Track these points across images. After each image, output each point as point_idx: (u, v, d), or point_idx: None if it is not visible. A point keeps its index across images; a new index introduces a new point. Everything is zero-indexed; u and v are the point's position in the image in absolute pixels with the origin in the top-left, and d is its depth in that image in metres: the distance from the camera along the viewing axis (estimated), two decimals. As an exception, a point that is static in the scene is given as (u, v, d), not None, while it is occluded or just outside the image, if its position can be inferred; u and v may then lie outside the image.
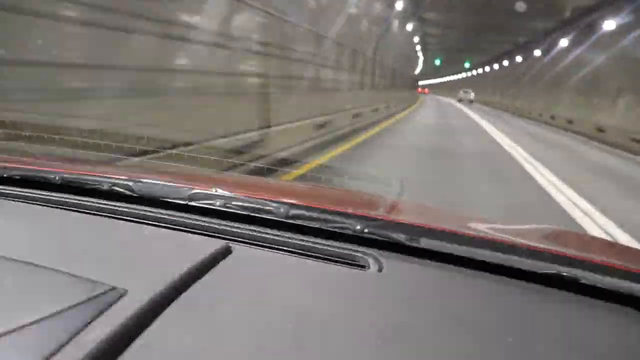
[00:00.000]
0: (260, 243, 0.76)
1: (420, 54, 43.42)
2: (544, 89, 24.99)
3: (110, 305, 0.52)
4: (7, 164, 0.98)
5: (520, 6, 15.93)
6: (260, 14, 7.16)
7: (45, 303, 0.52)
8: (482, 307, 0.65)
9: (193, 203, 0.85)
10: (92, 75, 3.94)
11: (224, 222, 0.81)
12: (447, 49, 42.52)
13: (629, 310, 0.66)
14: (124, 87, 4.05)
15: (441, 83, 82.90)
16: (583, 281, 0.69)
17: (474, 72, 59.20)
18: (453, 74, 73.53)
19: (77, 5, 3.82)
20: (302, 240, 0.77)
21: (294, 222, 0.81)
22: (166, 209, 0.85)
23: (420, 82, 63.37)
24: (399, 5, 17.85)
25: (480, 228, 0.92)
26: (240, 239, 0.76)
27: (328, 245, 0.76)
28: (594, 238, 1.96)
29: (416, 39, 32.74)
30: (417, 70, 53.29)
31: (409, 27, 24.91)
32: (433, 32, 33.32)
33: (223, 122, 5.49)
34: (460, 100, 44.42)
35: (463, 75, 67.31)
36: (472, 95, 44.84)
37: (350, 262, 0.73)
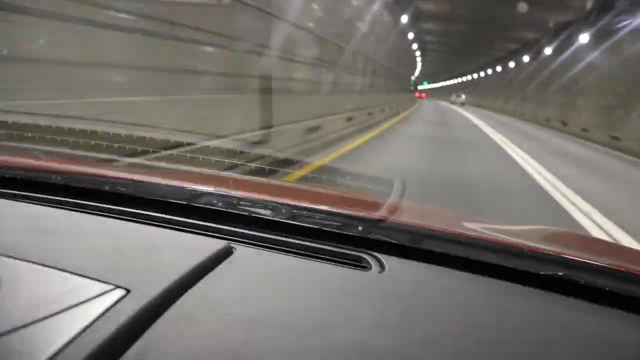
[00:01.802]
0: (261, 244, 0.74)
1: (418, 60, 43.67)
2: (530, 92, 27.67)
3: (112, 305, 0.51)
4: (9, 165, 0.97)
5: (512, 17, 16.89)
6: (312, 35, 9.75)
7: (48, 302, 0.51)
8: (483, 309, 0.63)
9: (195, 204, 0.83)
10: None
11: (225, 223, 0.79)
12: (443, 57, 43.03)
13: (631, 313, 0.64)
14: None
15: (437, 88, 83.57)
16: (584, 283, 0.67)
17: (469, 77, 59.86)
18: (448, 79, 73.99)
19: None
20: (304, 241, 0.75)
21: (296, 222, 0.79)
22: (168, 209, 0.83)
23: (418, 87, 63.58)
24: (404, 19, 20.46)
25: (482, 230, 0.90)
26: (241, 240, 0.74)
27: (330, 246, 0.74)
28: (595, 239, 1.94)
29: (415, 46, 33.09)
30: (415, 76, 53.64)
31: (410, 36, 26.70)
32: (430, 39, 33.77)
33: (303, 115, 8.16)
34: (453, 103, 48.99)
35: (458, 80, 67.94)
36: (463, 98, 49.85)
37: (352, 263, 0.71)
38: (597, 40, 16.60)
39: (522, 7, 16.77)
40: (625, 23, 14.15)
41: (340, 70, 12.14)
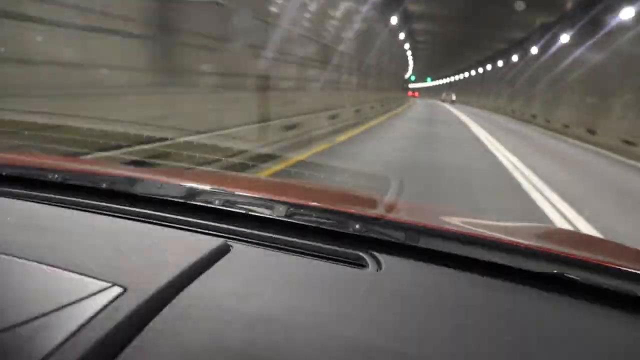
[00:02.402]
0: (259, 241, 0.74)
1: (410, 59, 43.51)
2: (518, 91, 28.39)
3: (109, 302, 0.51)
4: (8, 162, 0.96)
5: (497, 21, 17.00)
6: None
7: (45, 300, 0.50)
8: (480, 307, 0.63)
9: (192, 202, 0.83)
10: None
11: (223, 221, 0.79)
12: (434, 56, 42.89)
13: (629, 311, 0.64)
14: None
15: (429, 87, 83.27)
16: (582, 281, 0.67)
17: (460, 77, 59.62)
18: (440, 78, 73.75)
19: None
20: (301, 239, 0.75)
21: (293, 220, 0.78)
22: (165, 207, 0.83)
23: (410, 85, 62.95)
24: (394, 20, 20.61)
25: (479, 228, 0.90)
26: (239, 238, 0.74)
27: (327, 244, 0.74)
28: (594, 238, 1.95)
29: (407, 46, 33.01)
30: (407, 74, 53.38)
31: (402, 36, 27.03)
32: (422, 39, 33.77)
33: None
34: (443, 101, 50.17)
35: (450, 79, 67.88)
36: (453, 96, 50.96)
37: (349, 261, 0.71)
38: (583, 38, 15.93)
39: (519, 4, 16.31)
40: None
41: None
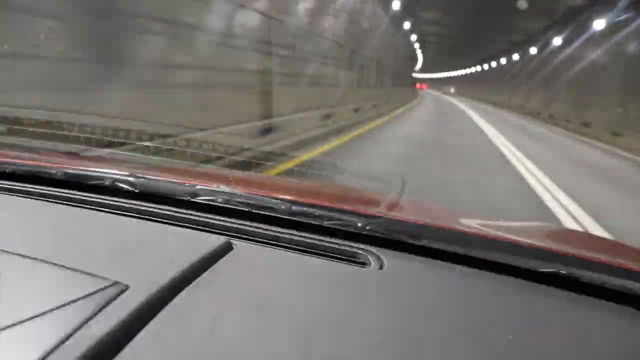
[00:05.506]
0: (261, 239, 0.73)
1: (419, 54, 43.73)
2: (510, 87, 32.31)
3: (111, 300, 0.50)
4: (9, 159, 0.95)
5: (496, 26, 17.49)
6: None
7: (47, 298, 0.50)
8: (482, 306, 0.62)
9: (195, 199, 0.82)
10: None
11: (225, 219, 0.78)
12: (442, 52, 43.44)
13: (629, 310, 0.63)
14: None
15: (436, 79, 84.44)
16: (583, 280, 0.66)
17: (461, 72, 61.14)
18: (446, 70, 74.83)
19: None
20: (304, 237, 0.74)
21: (296, 219, 0.78)
22: (168, 205, 0.82)
23: (419, 76, 64.14)
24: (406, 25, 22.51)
25: (481, 226, 0.89)
26: (241, 236, 0.73)
27: (329, 243, 0.73)
28: (594, 237, 1.93)
29: (417, 45, 33.20)
30: (418, 67, 53.85)
31: (413, 37, 28.79)
32: (431, 38, 34.10)
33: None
34: (445, 93, 63.17)
35: (454, 73, 70.44)
36: (452, 89, 68.00)
37: (351, 259, 0.70)
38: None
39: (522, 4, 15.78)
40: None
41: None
